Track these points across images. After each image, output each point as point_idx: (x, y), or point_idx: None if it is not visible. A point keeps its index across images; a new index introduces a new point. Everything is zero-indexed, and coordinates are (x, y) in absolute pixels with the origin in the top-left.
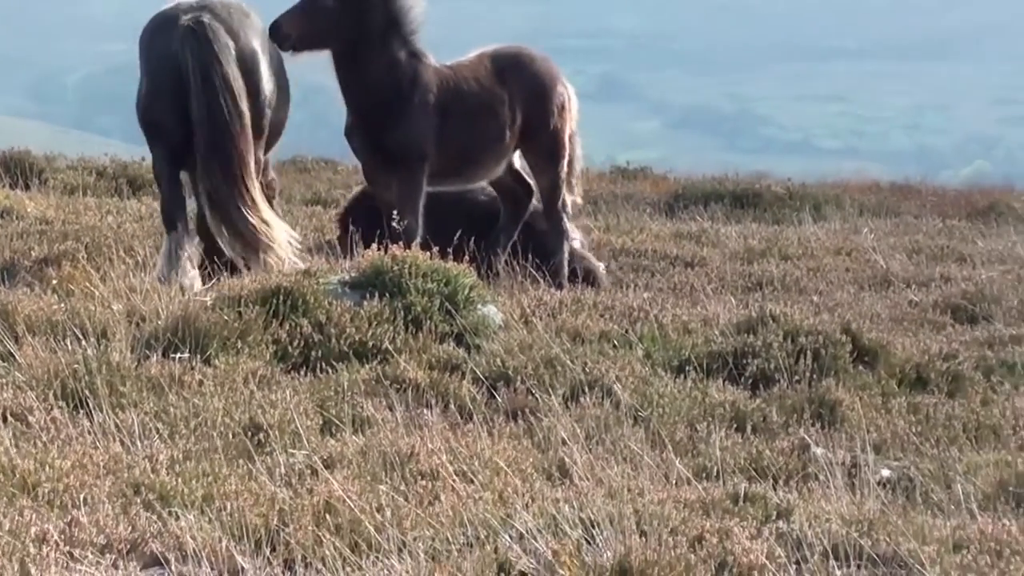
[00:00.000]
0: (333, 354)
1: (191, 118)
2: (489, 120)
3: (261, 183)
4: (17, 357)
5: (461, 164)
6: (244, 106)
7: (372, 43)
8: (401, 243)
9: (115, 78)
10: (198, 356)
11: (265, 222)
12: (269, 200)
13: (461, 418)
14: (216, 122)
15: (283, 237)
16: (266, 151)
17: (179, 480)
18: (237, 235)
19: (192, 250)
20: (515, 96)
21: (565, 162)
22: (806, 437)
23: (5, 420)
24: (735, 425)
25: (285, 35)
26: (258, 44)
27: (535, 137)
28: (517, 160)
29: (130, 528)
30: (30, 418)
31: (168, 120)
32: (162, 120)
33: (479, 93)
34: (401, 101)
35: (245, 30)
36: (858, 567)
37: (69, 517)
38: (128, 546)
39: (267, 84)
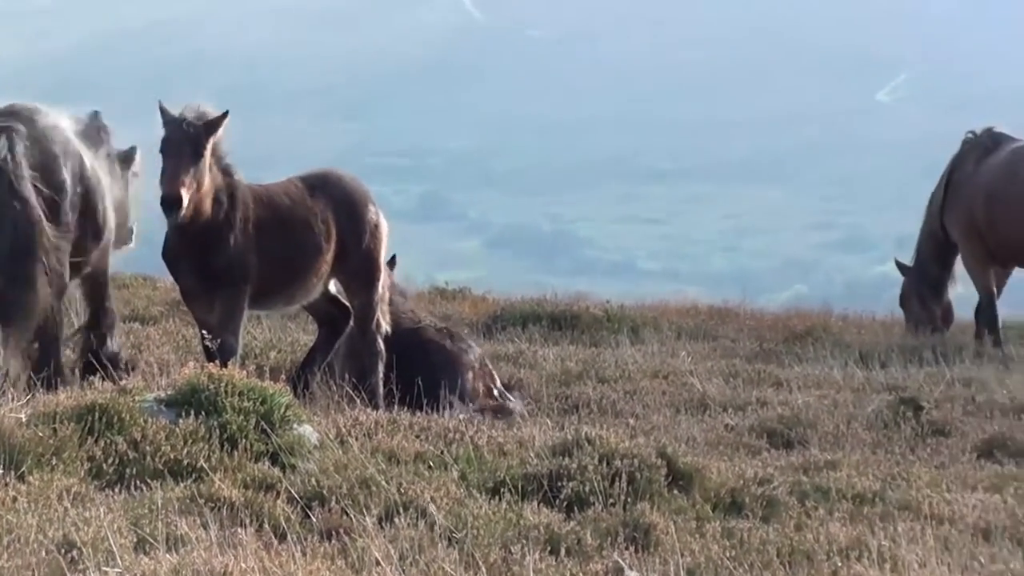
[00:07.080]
0: (148, 472)
1: None
2: (305, 235)
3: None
4: None
5: (282, 282)
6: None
7: None
8: (217, 361)
9: None
10: (12, 472)
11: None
12: (106, 334)
13: (275, 537)
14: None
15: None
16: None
17: None
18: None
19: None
20: (327, 213)
21: (380, 283)
22: (620, 560)
23: None
24: (549, 547)
25: None
26: (60, 150)
27: (349, 257)
28: (332, 285)
29: None
30: None
31: None
32: None
33: (292, 209)
34: (221, 221)
35: (48, 142)
36: None
37: None
38: None
39: (70, 189)
